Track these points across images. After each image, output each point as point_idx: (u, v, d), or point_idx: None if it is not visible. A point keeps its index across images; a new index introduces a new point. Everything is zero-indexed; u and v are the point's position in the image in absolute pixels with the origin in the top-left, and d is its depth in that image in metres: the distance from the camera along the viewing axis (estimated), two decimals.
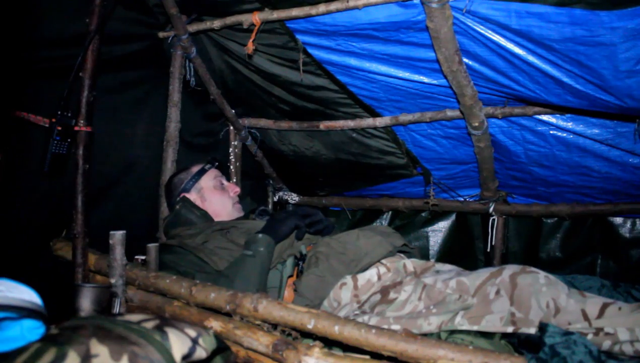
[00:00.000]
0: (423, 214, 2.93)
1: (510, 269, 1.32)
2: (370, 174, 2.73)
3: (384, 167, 2.61)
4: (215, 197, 1.99)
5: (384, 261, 1.63)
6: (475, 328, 1.24)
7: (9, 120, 1.60)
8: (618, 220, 2.50)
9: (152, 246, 1.56)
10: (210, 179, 2.03)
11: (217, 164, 2.10)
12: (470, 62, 1.74)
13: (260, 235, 1.63)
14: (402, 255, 1.75)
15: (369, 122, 2.34)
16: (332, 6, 1.67)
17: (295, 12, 1.77)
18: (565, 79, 1.59)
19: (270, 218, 1.75)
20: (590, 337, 1.11)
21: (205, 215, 1.93)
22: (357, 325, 1.07)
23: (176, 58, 2.27)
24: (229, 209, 1.99)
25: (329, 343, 1.13)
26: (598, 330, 1.12)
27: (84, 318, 1.05)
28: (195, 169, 2.04)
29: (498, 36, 1.55)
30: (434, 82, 1.92)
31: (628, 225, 2.49)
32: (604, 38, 1.37)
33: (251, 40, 1.91)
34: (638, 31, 1.32)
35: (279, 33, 1.97)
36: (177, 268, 1.61)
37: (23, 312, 0.80)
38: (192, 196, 1.98)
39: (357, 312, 1.44)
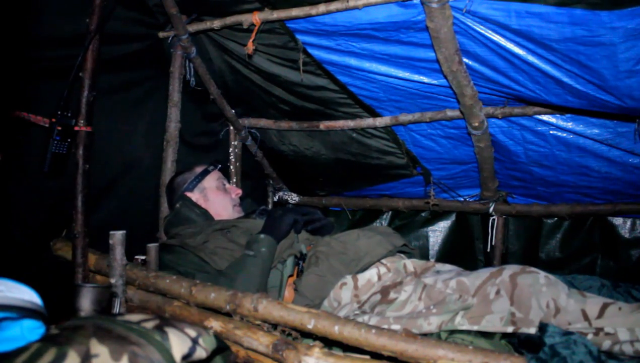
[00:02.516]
0: (423, 214, 2.92)
1: (510, 269, 1.33)
2: (370, 174, 2.73)
3: (384, 167, 2.61)
4: (218, 197, 2.00)
5: (384, 261, 1.63)
6: (475, 328, 1.24)
7: (9, 120, 1.59)
8: (618, 220, 2.50)
9: (152, 246, 1.57)
10: (213, 180, 2.04)
11: (220, 166, 2.11)
12: (470, 62, 1.74)
13: (262, 236, 1.63)
14: (402, 255, 1.75)
15: (369, 122, 2.34)
16: (332, 6, 1.67)
17: (295, 12, 1.77)
18: (565, 79, 1.59)
19: (268, 217, 1.76)
20: (590, 337, 1.11)
21: (205, 214, 1.94)
22: (357, 325, 1.07)
23: (176, 58, 2.27)
24: (229, 211, 2.00)
25: (329, 343, 1.13)
26: (598, 330, 1.12)
27: (84, 318, 1.05)
28: (199, 169, 2.05)
29: (498, 36, 1.54)
30: (434, 82, 1.91)
31: (628, 225, 2.49)
32: (604, 38, 1.37)
33: (251, 40, 1.91)
34: (638, 31, 1.31)
35: (279, 33, 1.97)
36: (177, 268, 1.62)
37: (23, 312, 0.80)
38: (195, 195, 1.99)
39: (357, 312, 1.44)
